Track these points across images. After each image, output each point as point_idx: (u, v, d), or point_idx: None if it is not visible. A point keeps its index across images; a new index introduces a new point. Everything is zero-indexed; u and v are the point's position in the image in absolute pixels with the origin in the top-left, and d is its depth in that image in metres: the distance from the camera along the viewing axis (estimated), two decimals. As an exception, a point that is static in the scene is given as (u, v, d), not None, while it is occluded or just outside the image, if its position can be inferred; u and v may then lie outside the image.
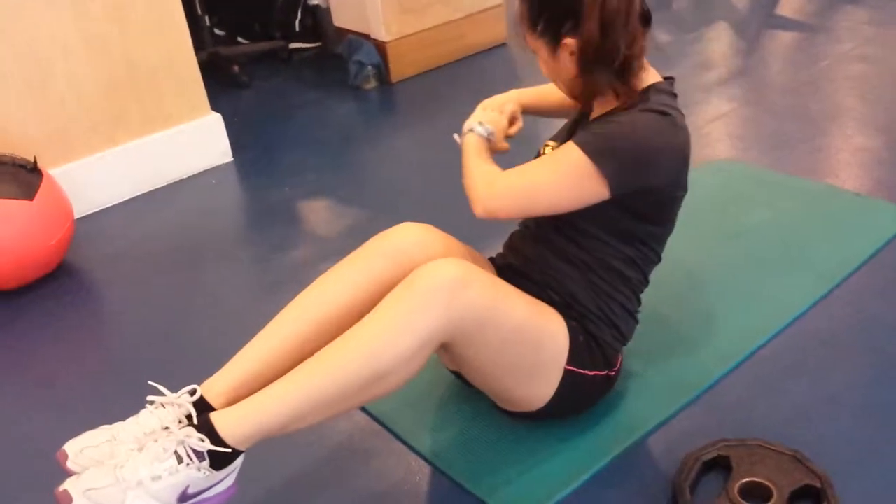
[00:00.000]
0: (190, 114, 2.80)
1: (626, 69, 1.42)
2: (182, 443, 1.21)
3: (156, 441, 1.21)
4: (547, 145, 1.62)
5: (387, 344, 1.27)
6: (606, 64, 1.40)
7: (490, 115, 1.60)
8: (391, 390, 1.31)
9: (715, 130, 2.81)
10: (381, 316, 1.30)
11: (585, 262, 1.52)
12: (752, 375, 1.73)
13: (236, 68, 3.57)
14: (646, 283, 1.61)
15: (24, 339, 2.11)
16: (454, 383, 1.76)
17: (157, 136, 2.74)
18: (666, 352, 1.81)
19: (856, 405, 1.63)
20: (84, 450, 1.23)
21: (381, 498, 1.54)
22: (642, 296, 1.62)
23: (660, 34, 3.66)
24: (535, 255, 1.57)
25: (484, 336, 1.35)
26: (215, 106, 2.90)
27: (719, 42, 3.64)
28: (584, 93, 1.48)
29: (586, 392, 1.56)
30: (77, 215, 2.48)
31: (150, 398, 1.29)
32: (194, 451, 1.21)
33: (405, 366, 1.28)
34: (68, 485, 1.18)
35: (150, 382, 1.32)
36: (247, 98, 3.51)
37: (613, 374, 1.60)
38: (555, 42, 1.42)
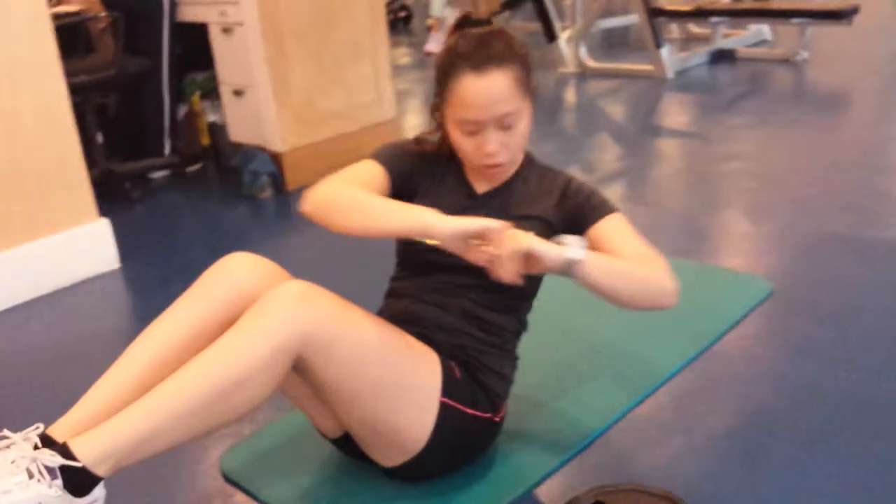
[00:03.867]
0: (77, 219, 2.79)
1: None
2: (34, 460, 1.17)
3: (11, 464, 1.17)
4: None
5: (239, 349, 1.27)
6: None
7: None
8: (249, 404, 1.29)
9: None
10: (234, 329, 1.30)
11: (469, 312, 1.55)
12: (631, 429, 1.77)
13: (128, 184, 3.59)
14: (524, 329, 1.64)
15: None
16: (335, 455, 1.74)
17: (42, 242, 2.70)
18: (548, 410, 1.83)
19: (722, 451, 1.69)
20: None
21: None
22: (527, 351, 1.65)
23: (545, 144, 3.85)
24: (409, 309, 1.60)
25: (338, 349, 1.34)
26: (105, 217, 2.89)
27: (601, 150, 3.86)
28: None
29: (469, 435, 1.54)
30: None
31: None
32: (46, 467, 1.17)
33: (261, 373, 1.28)
34: None
35: None
36: (139, 211, 3.52)
37: (498, 419, 1.60)
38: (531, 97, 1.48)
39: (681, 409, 1.82)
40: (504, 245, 1.33)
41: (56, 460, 1.18)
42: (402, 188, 1.57)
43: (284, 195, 3.52)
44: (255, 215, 3.39)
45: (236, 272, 1.47)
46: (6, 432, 1.23)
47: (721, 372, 1.95)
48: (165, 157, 3.87)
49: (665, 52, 5.09)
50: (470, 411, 1.52)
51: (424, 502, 1.57)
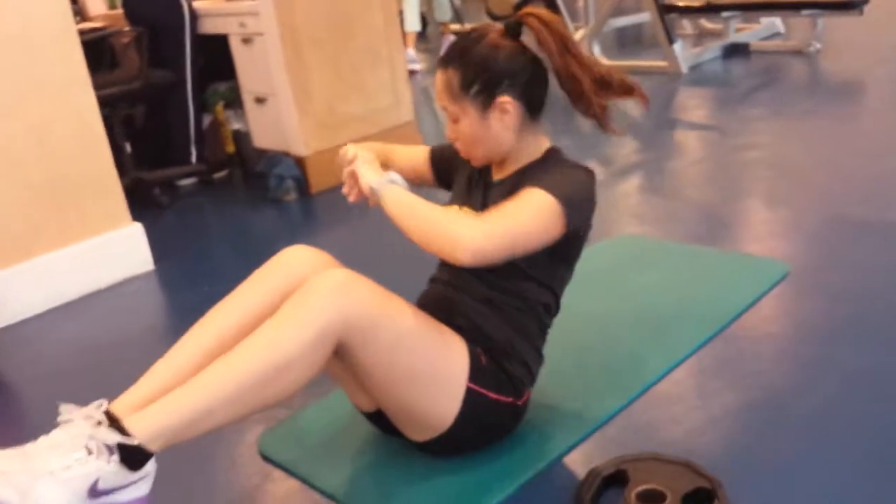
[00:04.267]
0: (111, 224, 2.89)
1: (537, 124, 1.61)
2: (92, 437, 1.25)
3: (67, 436, 1.25)
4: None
5: (284, 336, 1.35)
6: (537, 117, 1.59)
7: (378, 168, 1.64)
8: (295, 386, 1.38)
9: (614, 212, 3.00)
10: (279, 315, 1.38)
11: (493, 300, 1.63)
12: (650, 407, 1.83)
13: (157, 190, 3.70)
14: (549, 323, 1.71)
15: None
16: (368, 435, 1.81)
17: (78, 247, 2.81)
18: (570, 389, 1.90)
19: (738, 424, 1.75)
20: None
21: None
22: (548, 337, 1.73)
23: (562, 140, 3.91)
24: (443, 295, 1.67)
25: (375, 336, 1.43)
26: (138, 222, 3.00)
27: (618, 144, 3.91)
28: (509, 150, 1.62)
29: (493, 418, 1.62)
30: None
31: (59, 418, 1.32)
32: (104, 444, 1.25)
33: (303, 358, 1.36)
34: None
35: (58, 402, 1.35)
36: (168, 217, 3.62)
37: (521, 404, 1.67)
38: (489, 101, 1.55)
39: (699, 386, 1.88)
40: (342, 158, 1.60)
41: (113, 437, 1.27)
42: (440, 176, 1.81)
43: (308, 198, 3.61)
44: (280, 218, 3.48)
45: (294, 263, 1.58)
46: (71, 408, 1.31)
47: (739, 350, 2.01)
48: (192, 165, 3.98)
49: (678, 47, 5.14)
50: (493, 396, 1.60)
51: (454, 475, 1.64)
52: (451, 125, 1.62)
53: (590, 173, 1.60)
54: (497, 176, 1.69)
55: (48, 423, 1.30)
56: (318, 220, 3.48)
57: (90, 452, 1.25)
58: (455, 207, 1.67)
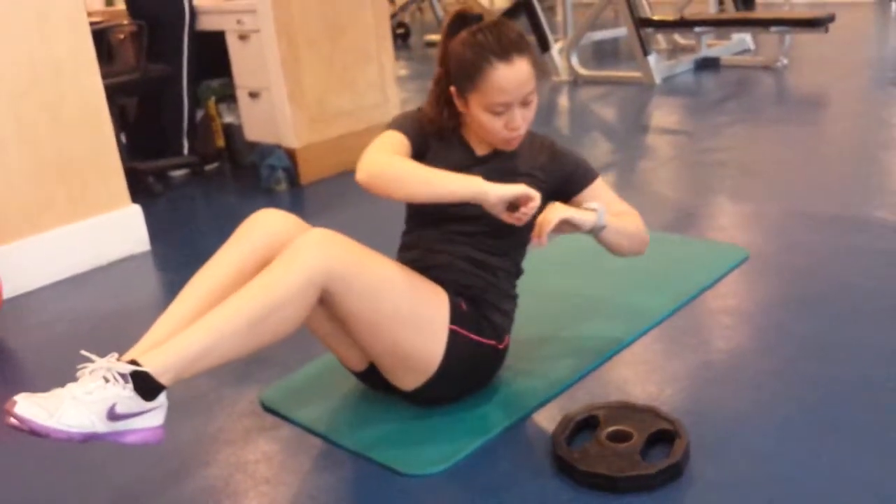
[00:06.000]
0: (112, 204, 3.04)
1: None
2: (109, 369, 1.43)
3: (88, 372, 1.44)
4: None
5: (277, 281, 1.56)
6: None
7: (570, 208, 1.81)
8: (286, 325, 1.58)
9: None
10: (272, 266, 1.59)
11: (469, 255, 1.81)
12: (620, 368, 2.01)
13: (151, 179, 3.84)
14: (520, 268, 1.92)
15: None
16: (360, 388, 1.98)
17: (81, 224, 2.95)
18: (546, 351, 2.09)
19: (699, 379, 1.93)
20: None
21: (307, 486, 1.72)
22: (526, 311, 1.95)
23: (541, 141, 4.10)
24: (421, 254, 1.85)
25: (359, 280, 1.62)
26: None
27: (593, 146, 4.11)
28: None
29: (476, 359, 1.80)
30: None
31: (79, 368, 1.47)
32: (119, 373, 1.43)
33: (294, 300, 1.56)
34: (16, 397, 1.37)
35: (82, 352, 1.50)
36: (162, 204, 3.76)
37: (502, 347, 1.85)
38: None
39: (665, 350, 2.06)
40: (548, 214, 1.69)
41: (127, 367, 1.44)
42: (417, 151, 1.83)
43: (298, 188, 3.77)
44: (270, 206, 3.62)
45: (269, 223, 1.76)
46: (92, 356, 1.48)
47: (701, 321, 2.19)
48: (185, 157, 4.12)
49: (652, 59, 5.37)
50: (475, 337, 1.77)
51: (440, 419, 1.82)
52: (520, 114, 1.75)
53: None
54: (481, 151, 1.87)
55: (52, 385, 1.46)
56: (308, 210, 3.64)
57: (107, 381, 1.43)
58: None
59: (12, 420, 1.35)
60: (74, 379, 1.45)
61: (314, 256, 1.58)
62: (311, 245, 1.59)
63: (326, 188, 3.79)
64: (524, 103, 1.74)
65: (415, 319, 1.70)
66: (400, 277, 1.70)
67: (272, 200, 3.67)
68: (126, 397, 1.43)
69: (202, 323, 1.52)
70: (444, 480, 1.65)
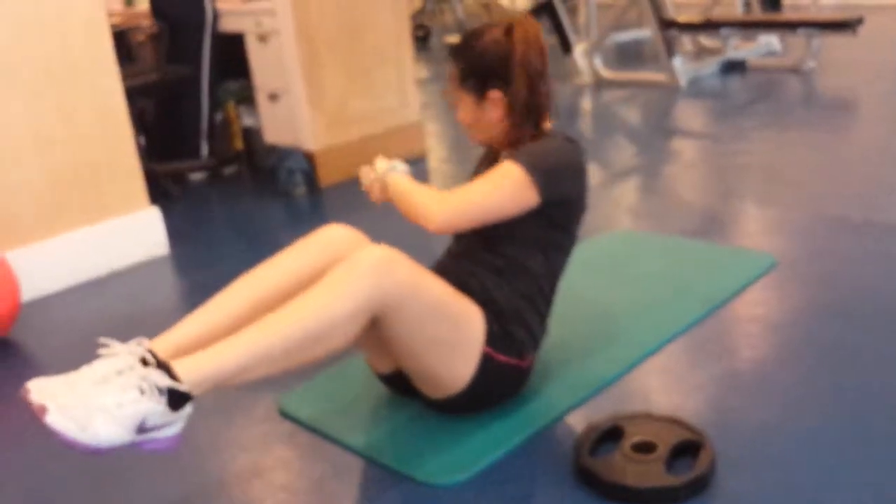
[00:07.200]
0: (131, 206, 3.02)
1: (540, 117, 1.75)
2: (144, 378, 1.36)
3: (119, 375, 1.36)
4: None
5: (326, 307, 1.48)
6: (531, 115, 1.74)
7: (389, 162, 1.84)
8: (328, 352, 1.52)
9: (613, 209, 3.14)
10: (322, 285, 1.52)
11: (501, 268, 1.77)
12: (644, 377, 1.96)
13: (169, 181, 3.82)
14: (553, 290, 1.84)
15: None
16: (382, 393, 1.94)
17: (99, 227, 2.93)
18: (572, 360, 2.04)
19: (723, 389, 1.88)
20: (45, 389, 1.37)
21: (322, 486, 1.68)
22: (553, 317, 1.88)
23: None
24: (457, 266, 1.81)
25: (409, 309, 1.57)
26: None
27: (616, 150, 4.05)
28: (507, 138, 1.78)
29: (501, 379, 1.76)
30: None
31: (101, 350, 1.43)
32: (156, 386, 1.36)
33: (341, 328, 1.50)
34: (43, 397, 1.31)
35: (101, 339, 1.46)
36: (180, 206, 3.75)
37: (525, 366, 1.80)
38: (480, 95, 1.75)
39: (690, 359, 2.00)
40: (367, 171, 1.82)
41: (165, 382, 1.37)
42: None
43: (317, 191, 3.74)
44: (289, 210, 3.61)
45: (334, 238, 1.74)
46: (113, 342, 1.43)
47: (727, 329, 2.13)
48: (203, 160, 4.11)
49: (677, 61, 5.30)
50: (503, 359, 1.73)
51: (461, 427, 1.77)
52: (458, 107, 1.84)
53: (569, 142, 1.74)
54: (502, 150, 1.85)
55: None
56: (327, 213, 3.61)
57: (142, 393, 1.36)
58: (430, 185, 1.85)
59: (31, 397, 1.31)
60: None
61: (370, 285, 1.52)
62: (368, 268, 1.53)
63: (345, 191, 3.76)
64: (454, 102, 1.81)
65: (453, 344, 1.68)
66: (446, 302, 1.66)
67: (290, 203, 3.65)
68: (158, 412, 1.38)
69: (244, 337, 1.47)
70: (465, 490, 1.61)
